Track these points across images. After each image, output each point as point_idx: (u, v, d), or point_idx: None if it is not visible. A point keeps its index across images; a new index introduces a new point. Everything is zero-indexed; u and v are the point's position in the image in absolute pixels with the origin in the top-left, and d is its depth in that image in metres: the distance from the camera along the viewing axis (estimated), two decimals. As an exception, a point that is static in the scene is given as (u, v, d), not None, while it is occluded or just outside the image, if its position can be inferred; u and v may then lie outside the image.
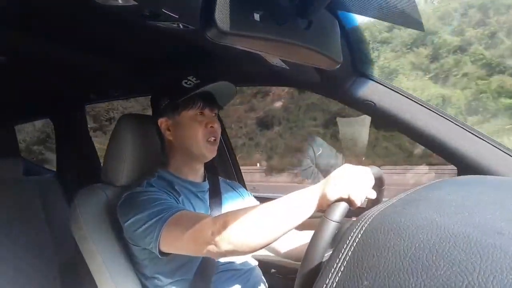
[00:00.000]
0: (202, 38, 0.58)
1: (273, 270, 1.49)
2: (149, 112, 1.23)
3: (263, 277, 1.19)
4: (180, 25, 0.78)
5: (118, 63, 1.47)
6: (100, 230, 1.11)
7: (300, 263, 0.69)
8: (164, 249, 0.94)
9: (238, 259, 1.13)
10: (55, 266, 1.68)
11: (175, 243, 0.92)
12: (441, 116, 1.06)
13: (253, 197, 1.34)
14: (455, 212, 0.48)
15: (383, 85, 1.12)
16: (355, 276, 0.44)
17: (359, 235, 0.48)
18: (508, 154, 0.99)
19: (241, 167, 1.86)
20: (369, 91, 1.12)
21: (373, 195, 0.81)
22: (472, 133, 1.03)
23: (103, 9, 0.72)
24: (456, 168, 1.07)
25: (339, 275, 0.45)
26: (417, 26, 1.01)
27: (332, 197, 0.75)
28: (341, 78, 1.14)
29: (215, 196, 1.18)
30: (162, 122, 1.13)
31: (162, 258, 0.97)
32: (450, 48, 10.40)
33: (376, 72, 1.15)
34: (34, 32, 1.14)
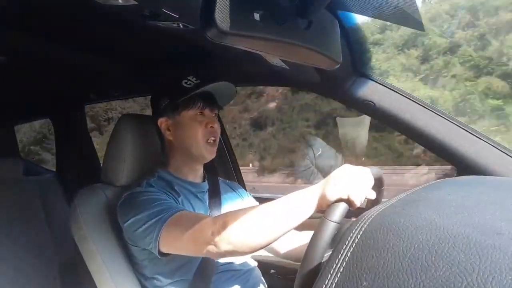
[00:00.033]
0: (202, 38, 0.58)
1: (272, 271, 1.48)
2: (148, 112, 1.23)
3: (262, 277, 1.19)
4: (180, 25, 0.78)
5: (118, 63, 1.47)
6: (100, 230, 1.11)
7: (299, 263, 0.69)
8: (164, 249, 0.94)
9: (237, 260, 1.13)
10: (55, 266, 1.68)
11: (174, 243, 0.92)
12: (441, 116, 1.06)
13: (252, 198, 1.34)
14: (455, 212, 0.48)
15: (383, 85, 1.12)
16: (354, 277, 0.44)
17: (359, 235, 0.48)
18: (508, 155, 0.99)
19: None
20: (369, 91, 1.12)
21: (372, 195, 0.81)
22: (472, 134, 1.03)
23: (103, 9, 0.72)
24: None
25: (338, 275, 0.45)
26: (417, 26, 1.01)
27: (331, 197, 0.75)
28: (341, 78, 1.14)
29: (215, 196, 1.18)
30: (162, 122, 1.13)
31: (162, 259, 0.97)
32: (440, 50, 10.53)
33: (367, 73, 1.16)
34: (34, 32, 1.14)
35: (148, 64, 1.44)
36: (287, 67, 1.06)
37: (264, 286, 1.17)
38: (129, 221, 0.99)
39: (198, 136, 1.09)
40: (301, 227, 0.86)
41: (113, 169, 1.19)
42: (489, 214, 0.47)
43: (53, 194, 1.82)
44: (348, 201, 0.74)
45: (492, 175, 0.98)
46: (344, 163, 0.81)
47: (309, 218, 0.80)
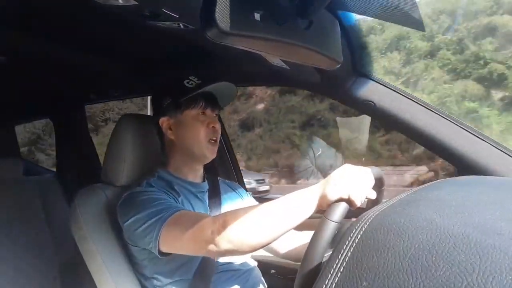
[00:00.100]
0: (202, 38, 0.58)
1: (272, 271, 1.48)
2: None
3: (262, 277, 1.19)
4: (180, 25, 0.78)
5: (118, 63, 1.47)
6: (100, 230, 1.11)
7: (299, 263, 0.69)
8: (164, 249, 0.94)
9: (237, 260, 1.13)
10: (55, 266, 1.68)
11: (174, 242, 0.92)
12: (441, 116, 1.06)
13: (252, 198, 1.34)
14: (455, 212, 0.48)
15: (383, 85, 1.12)
16: (354, 277, 0.44)
17: (359, 235, 0.48)
18: (508, 155, 0.99)
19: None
20: (369, 91, 1.12)
21: (373, 195, 0.81)
22: (472, 133, 1.03)
23: (103, 9, 0.72)
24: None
25: (338, 275, 0.45)
26: (418, 26, 1.01)
27: (332, 197, 0.75)
28: (341, 78, 1.14)
29: (215, 196, 1.18)
30: (163, 121, 1.13)
31: (162, 258, 0.97)
32: (421, 53, 10.71)
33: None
34: (34, 32, 1.14)
35: (148, 64, 1.44)
36: (287, 67, 1.06)
37: (264, 286, 1.17)
38: (129, 221, 0.99)
39: (200, 136, 1.10)
40: (300, 227, 0.86)
41: (113, 169, 1.19)
42: (490, 214, 0.47)
43: (53, 194, 1.82)
44: (349, 201, 0.74)
45: (492, 175, 0.98)
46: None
47: (309, 218, 0.81)
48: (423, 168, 9.84)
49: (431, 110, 1.07)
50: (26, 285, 1.56)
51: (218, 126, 1.13)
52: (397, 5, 0.81)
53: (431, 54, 10.73)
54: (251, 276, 1.13)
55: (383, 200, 0.74)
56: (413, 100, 1.09)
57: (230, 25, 0.56)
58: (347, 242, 0.48)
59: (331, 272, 0.46)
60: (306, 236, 1.14)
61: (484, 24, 10.39)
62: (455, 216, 0.47)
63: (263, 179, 9.70)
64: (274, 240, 0.83)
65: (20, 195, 1.70)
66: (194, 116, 1.11)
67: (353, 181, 0.76)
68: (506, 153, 0.99)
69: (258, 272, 1.18)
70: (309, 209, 0.79)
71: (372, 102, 1.11)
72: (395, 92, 1.11)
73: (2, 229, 1.57)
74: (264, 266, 1.29)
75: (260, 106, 15.41)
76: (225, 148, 1.79)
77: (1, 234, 1.56)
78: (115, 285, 1.06)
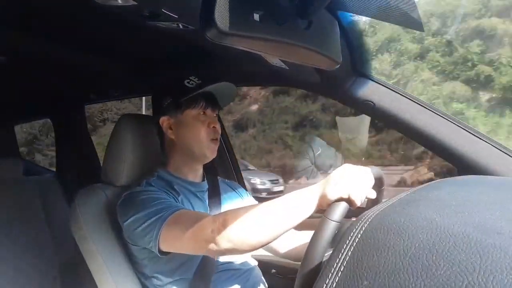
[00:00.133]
0: (202, 38, 0.58)
1: (273, 271, 1.48)
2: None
3: (262, 277, 1.19)
4: (180, 25, 0.78)
5: (118, 63, 1.47)
6: (100, 230, 1.11)
7: (299, 263, 0.69)
8: (164, 248, 0.94)
9: (237, 259, 1.13)
10: (55, 266, 1.68)
11: (174, 241, 0.92)
12: (441, 116, 1.06)
13: (252, 198, 1.34)
14: (455, 212, 0.48)
15: (382, 85, 1.12)
16: (355, 276, 0.44)
17: (359, 235, 0.48)
18: (508, 154, 0.99)
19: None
20: (368, 91, 1.12)
21: (373, 195, 0.81)
22: (472, 133, 1.03)
23: (103, 9, 0.72)
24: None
25: (339, 275, 0.45)
26: (417, 26, 1.01)
27: (332, 196, 0.75)
28: (341, 78, 1.14)
29: (214, 196, 1.18)
30: (164, 120, 1.13)
31: (162, 258, 0.97)
32: (411, 55, 10.84)
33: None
34: (34, 32, 1.14)
35: (148, 64, 1.44)
36: (287, 67, 1.06)
37: (264, 285, 1.17)
38: (129, 220, 0.99)
39: (200, 135, 1.10)
40: (300, 227, 0.86)
41: (113, 169, 1.19)
42: (490, 213, 0.47)
43: (53, 194, 1.81)
44: (349, 201, 0.74)
45: (492, 175, 0.98)
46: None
47: (309, 217, 0.81)
48: (410, 168, 10.04)
49: (431, 110, 1.07)
50: (26, 285, 1.56)
51: (218, 126, 1.13)
52: (396, 5, 0.81)
53: (421, 56, 10.92)
54: (251, 276, 1.13)
55: (383, 200, 0.74)
56: (413, 100, 1.09)
57: (229, 25, 0.56)
58: (348, 241, 0.48)
59: (332, 272, 0.46)
60: (305, 236, 1.14)
61: (472, 27, 10.62)
62: (455, 216, 0.47)
63: (277, 179, 9.71)
64: (274, 239, 0.83)
65: (20, 195, 1.70)
66: (195, 116, 1.11)
67: (353, 181, 0.76)
68: (506, 153, 0.99)
69: (258, 272, 1.18)
70: (309, 209, 0.79)
71: (372, 102, 1.11)
72: (394, 92, 1.11)
73: (2, 229, 1.57)
74: (264, 265, 1.29)
75: (254, 107, 15.55)
76: (225, 148, 1.79)
77: (1, 234, 1.56)
78: (116, 285, 1.06)
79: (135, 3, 0.66)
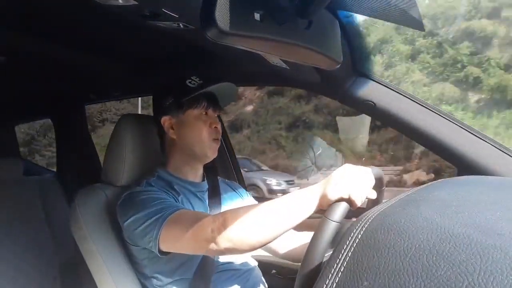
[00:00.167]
0: (202, 38, 0.58)
1: (273, 271, 1.48)
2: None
3: (262, 277, 1.19)
4: (180, 25, 0.79)
5: (118, 63, 1.47)
6: (100, 230, 1.11)
7: (298, 263, 0.69)
8: (164, 248, 0.94)
9: (237, 259, 1.13)
10: (55, 266, 1.68)
11: (174, 241, 0.92)
12: (441, 116, 1.06)
13: (252, 198, 1.34)
14: (455, 212, 0.48)
15: (383, 85, 1.12)
16: (355, 277, 0.44)
17: (359, 235, 0.48)
18: (508, 155, 0.99)
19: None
20: (369, 91, 1.12)
21: (373, 195, 0.81)
22: (472, 133, 1.03)
23: (103, 9, 0.72)
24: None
25: (339, 275, 0.45)
26: (417, 26, 1.01)
27: (332, 197, 0.75)
28: (341, 78, 1.14)
29: (215, 196, 1.18)
30: (165, 120, 1.13)
31: (162, 258, 0.97)
32: (403, 57, 10.94)
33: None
34: (34, 32, 1.14)
35: (148, 64, 1.44)
36: (287, 67, 1.06)
37: (264, 286, 1.17)
38: (128, 220, 0.99)
39: (202, 135, 1.10)
40: (300, 227, 0.86)
41: (113, 169, 1.19)
42: (490, 214, 0.47)
43: (53, 194, 1.82)
44: (349, 201, 0.74)
45: (492, 175, 0.98)
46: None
47: (309, 218, 0.81)
48: (399, 168, 10.18)
49: (431, 110, 1.07)
50: (26, 285, 1.56)
51: (219, 126, 1.14)
52: (396, 5, 0.81)
53: (412, 57, 11.05)
54: (251, 276, 1.13)
55: (384, 200, 0.74)
56: (413, 100, 1.09)
57: (230, 25, 0.56)
58: (348, 242, 0.48)
59: (332, 272, 0.46)
60: (305, 237, 1.14)
61: (462, 28, 10.75)
62: (456, 216, 0.47)
63: (292, 180, 9.72)
64: (274, 239, 0.83)
65: (20, 195, 1.70)
66: (197, 116, 1.11)
67: (353, 181, 0.76)
68: (506, 153, 0.99)
69: (258, 272, 1.18)
70: (310, 209, 0.79)
71: (372, 102, 1.11)
72: (395, 92, 1.11)
73: (2, 229, 1.57)
74: (264, 266, 1.29)
75: (249, 108, 15.66)
76: (225, 148, 1.79)
77: (1, 234, 1.56)
78: (115, 285, 1.06)
79: (136, 2, 0.67)
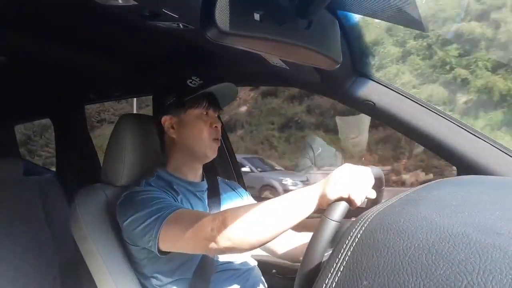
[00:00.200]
0: (202, 38, 0.58)
1: (273, 271, 1.49)
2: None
3: (262, 277, 1.19)
4: (180, 25, 0.79)
5: (118, 63, 1.47)
6: (100, 230, 1.11)
7: (297, 263, 0.69)
8: (163, 247, 0.94)
9: (237, 259, 1.13)
10: (55, 266, 1.68)
11: (174, 241, 0.92)
12: (441, 116, 1.06)
13: (251, 198, 1.34)
14: (455, 212, 0.48)
15: (383, 85, 1.12)
16: (354, 276, 0.44)
17: (359, 235, 0.48)
18: (508, 155, 0.99)
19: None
20: (369, 91, 1.12)
21: (373, 195, 0.81)
22: (472, 133, 1.03)
23: (103, 9, 0.72)
24: (389, 168, 1.07)
25: (338, 275, 0.45)
26: (418, 26, 1.01)
27: (332, 196, 0.75)
28: (341, 78, 1.14)
29: (214, 196, 1.18)
30: (166, 119, 1.13)
31: (161, 258, 0.97)
32: (393, 58, 11.09)
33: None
34: (34, 32, 1.14)
35: (148, 64, 1.44)
36: (287, 67, 1.06)
37: (264, 285, 1.17)
38: (128, 220, 0.99)
39: (203, 135, 1.10)
40: (299, 228, 0.86)
41: (113, 169, 1.19)
42: (489, 213, 0.47)
43: (53, 194, 1.82)
44: (349, 200, 0.74)
45: (492, 175, 0.98)
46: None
47: (308, 217, 0.81)
48: (387, 168, 10.24)
49: (431, 110, 1.07)
50: (26, 285, 1.56)
51: (220, 126, 1.14)
52: (396, 5, 0.81)
53: (403, 59, 11.16)
54: (251, 276, 1.13)
55: (383, 200, 0.75)
56: (413, 100, 1.09)
57: (229, 25, 0.56)
58: (347, 241, 0.48)
59: (331, 272, 0.46)
60: (303, 237, 1.14)
61: (451, 30, 10.74)
62: (455, 216, 0.47)
63: (308, 180, 9.70)
64: (274, 238, 0.83)
65: (20, 195, 1.70)
66: (198, 116, 1.11)
67: (353, 181, 0.76)
68: (506, 153, 0.99)
69: (258, 272, 1.18)
70: (309, 208, 0.79)
71: (372, 102, 1.11)
72: (395, 92, 1.11)
73: (2, 229, 1.57)
74: (264, 265, 1.29)
75: (243, 109, 15.79)
76: (225, 148, 1.79)
77: (1, 234, 1.56)
78: (115, 285, 1.06)
79: (136, 3, 0.67)
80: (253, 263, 1.19)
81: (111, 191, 1.17)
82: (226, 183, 1.30)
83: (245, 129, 15.16)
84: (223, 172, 1.74)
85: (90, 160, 2.19)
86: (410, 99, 1.09)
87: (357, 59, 1.11)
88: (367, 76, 1.14)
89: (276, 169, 10.34)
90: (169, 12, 0.72)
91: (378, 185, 0.85)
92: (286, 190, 8.70)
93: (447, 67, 10.61)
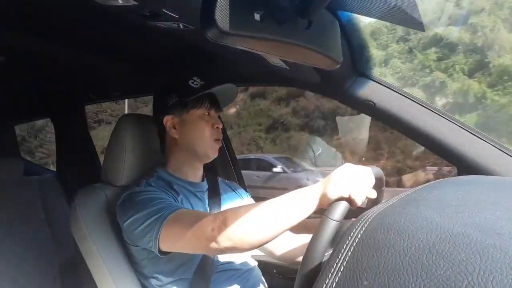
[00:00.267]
0: (202, 38, 0.58)
1: (274, 271, 1.49)
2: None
3: (262, 277, 1.19)
4: (180, 25, 0.79)
5: (118, 63, 1.47)
6: (100, 230, 1.11)
7: (295, 265, 0.69)
8: (164, 247, 0.94)
9: (237, 259, 1.13)
10: (55, 266, 1.68)
11: (174, 241, 0.92)
12: (441, 116, 1.06)
13: (251, 199, 1.34)
14: (455, 212, 0.48)
15: (383, 85, 1.12)
16: (355, 276, 0.44)
17: (359, 235, 0.48)
18: (508, 155, 0.99)
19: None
20: (369, 91, 1.12)
21: (373, 195, 0.81)
22: (472, 133, 1.03)
23: (103, 9, 0.72)
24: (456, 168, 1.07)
25: (339, 275, 0.45)
26: (418, 26, 1.01)
27: (332, 196, 0.75)
28: (341, 78, 1.14)
29: (214, 196, 1.18)
30: (168, 119, 1.13)
31: (162, 258, 0.97)
32: (376, 62, 11.30)
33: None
34: (34, 32, 1.14)
35: (148, 64, 1.44)
36: (287, 67, 1.06)
37: (264, 285, 1.17)
38: (128, 220, 0.99)
39: (205, 135, 1.11)
40: (299, 228, 0.86)
41: (113, 169, 1.19)
42: (490, 213, 0.47)
43: (53, 194, 1.82)
44: (349, 200, 0.74)
45: (492, 175, 0.98)
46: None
47: (307, 218, 0.81)
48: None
49: (431, 110, 1.07)
50: (26, 285, 1.56)
51: (221, 127, 1.14)
52: (397, 5, 0.81)
53: (385, 62, 11.32)
54: (251, 276, 1.13)
55: (383, 200, 0.74)
56: (413, 100, 1.09)
57: (230, 25, 0.56)
58: (347, 241, 0.48)
59: (332, 272, 0.46)
60: (301, 239, 1.14)
61: (431, 35, 11.00)
62: (455, 216, 0.47)
63: None
64: (274, 238, 0.83)
65: (20, 195, 1.70)
66: (200, 116, 1.12)
67: (353, 180, 0.76)
68: (506, 153, 0.99)
69: (258, 272, 1.18)
70: (310, 208, 0.79)
71: (372, 102, 1.11)
72: (395, 92, 1.11)
73: (2, 229, 1.57)
74: (264, 265, 1.29)
75: (232, 110, 15.94)
76: (225, 148, 1.79)
77: (1, 234, 1.56)
78: (115, 285, 1.06)
79: (136, 3, 0.67)
80: (254, 263, 1.19)
81: (111, 191, 1.17)
82: (226, 184, 1.30)
83: (233, 130, 15.36)
84: (223, 172, 1.74)
85: (90, 160, 2.19)
86: (410, 99, 1.09)
87: (357, 59, 1.11)
88: (367, 76, 1.14)
89: (307, 169, 10.18)
90: (169, 12, 0.72)
91: (378, 185, 0.85)
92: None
93: (427, 70, 10.86)
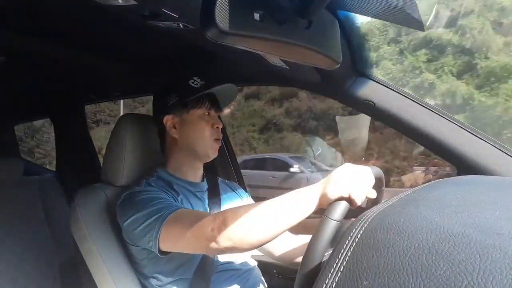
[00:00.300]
0: (202, 38, 0.58)
1: (274, 271, 1.49)
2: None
3: (262, 277, 1.19)
4: (180, 25, 0.79)
5: (118, 63, 1.47)
6: (100, 230, 1.11)
7: (294, 266, 0.69)
8: (164, 247, 0.94)
9: (237, 259, 1.13)
10: (55, 266, 1.68)
11: (174, 241, 0.92)
12: (441, 116, 1.06)
13: (251, 199, 1.34)
14: (455, 212, 0.48)
15: (383, 85, 1.12)
16: (354, 276, 0.44)
17: (359, 235, 0.48)
18: (508, 155, 0.99)
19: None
20: (369, 91, 1.12)
21: (373, 195, 0.81)
22: (472, 133, 1.03)
23: (103, 9, 0.72)
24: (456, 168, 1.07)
25: (338, 275, 0.45)
26: (417, 26, 1.01)
27: (332, 196, 0.75)
28: (341, 78, 1.14)
29: (214, 196, 1.18)
30: (168, 119, 1.13)
31: (162, 258, 0.97)
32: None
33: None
34: (34, 32, 1.14)
35: (148, 64, 1.44)
36: (287, 67, 1.06)
37: (264, 285, 1.17)
38: (128, 220, 0.99)
39: (205, 135, 1.11)
40: (299, 228, 0.86)
41: (113, 169, 1.19)
42: (489, 213, 0.47)
43: (53, 194, 1.81)
44: (349, 200, 0.74)
45: (492, 175, 0.98)
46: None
47: (307, 218, 0.81)
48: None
49: (431, 110, 1.07)
50: (26, 285, 1.56)
51: (221, 126, 1.14)
52: (396, 5, 0.81)
53: (377, 64, 11.47)
54: (251, 276, 1.13)
55: (383, 200, 0.74)
56: (413, 100, 1.09)
57: (229, 25, 0.56)
58: (347, 241, 0.48)
59: (331, 272, 0.46)
60: (300, 240, 1.14)
61: (421, 37, 11.07)
62: (455, 216, 0.47)
63: None
64: (274, 238, 0.83)
65: (20, 195, 1.70)
66: (200, 116, 1.12)
67: (353, 180, 0.76)
68: (506, 153, 0.99)
69: (258, 272, 1.18)
70: (310, 208, 0.79)
71: (372, 102, 1.11)
72: (395, 92, 1.11)
73: (2, 229, 1.57)
74: (264, 265, 1.29)
75: (227, 111, 16.07)
76: (225, 148, 1.79)
77: (1, 234, 1.56)
78: (115, 285, 1.06)
79: (136, 3, 0.67)
80: (253, 263, 1.19)
81: (111, 191, 1.17)
82: (226, 184, 1.30)
83: (227, 131, 15.50)
84: (223, 172, 1.74)
85: (90, 160, 2.19)
86: (410, 99, 1.09)
87: (357, 59, 1.11)
88: (367, 76, 1.14)
89: (325, 170, 10.06)
90: (169, 12, 0.72)
91: (378, 185, 0.85)
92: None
93: (417, 72, 10.94)
